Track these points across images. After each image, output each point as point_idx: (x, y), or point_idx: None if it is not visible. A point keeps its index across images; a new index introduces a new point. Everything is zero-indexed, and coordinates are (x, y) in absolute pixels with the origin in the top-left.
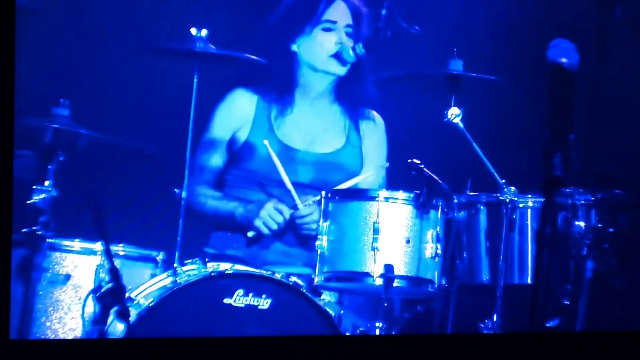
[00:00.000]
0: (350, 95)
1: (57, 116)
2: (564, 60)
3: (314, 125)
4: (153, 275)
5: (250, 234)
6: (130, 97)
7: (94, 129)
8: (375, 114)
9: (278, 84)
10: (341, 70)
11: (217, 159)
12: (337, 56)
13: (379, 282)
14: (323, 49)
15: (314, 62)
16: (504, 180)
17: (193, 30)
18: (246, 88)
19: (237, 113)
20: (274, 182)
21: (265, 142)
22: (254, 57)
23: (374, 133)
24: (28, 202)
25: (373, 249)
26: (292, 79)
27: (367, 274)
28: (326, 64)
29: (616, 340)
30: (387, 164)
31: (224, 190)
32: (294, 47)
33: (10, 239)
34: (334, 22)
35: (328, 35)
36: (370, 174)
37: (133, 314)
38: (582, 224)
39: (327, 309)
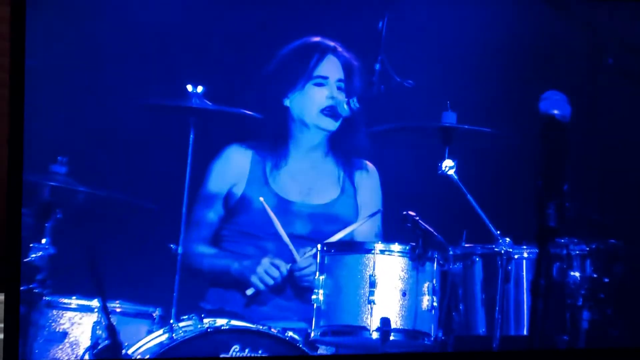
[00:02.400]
0: (344, 147)
1: (54, 173)
2: (556, 112)
3: (309, 177)
4: (150, 332)
5: (249, 291)
6: (127, 153)
7: (91, 185)
8: (369, 164)
9: (272, 138)
10: (332, 126)
11: (213, 215)
12: (328, 111)
13: (375, 335)
14: (314, 104)
15: (305, 118)
16: (499, 232)
17: (189, 87)
18: (241, 143)
19: (233, 168)
20: (271, 235)
21: (261, 199)
22: (250, 113)
23: (368, 183)
24: (25, 260)
25: (369, 302)
26: (286, 133)
27: (364, 328)
28: (317, 120)
29: None
30: (380, 209)
31: (220, 245)
32: (287, 102)
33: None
34: (326, 78)
35: (319, 90)
36: (364, 221)
37: None
38: (577, 274)
39: None
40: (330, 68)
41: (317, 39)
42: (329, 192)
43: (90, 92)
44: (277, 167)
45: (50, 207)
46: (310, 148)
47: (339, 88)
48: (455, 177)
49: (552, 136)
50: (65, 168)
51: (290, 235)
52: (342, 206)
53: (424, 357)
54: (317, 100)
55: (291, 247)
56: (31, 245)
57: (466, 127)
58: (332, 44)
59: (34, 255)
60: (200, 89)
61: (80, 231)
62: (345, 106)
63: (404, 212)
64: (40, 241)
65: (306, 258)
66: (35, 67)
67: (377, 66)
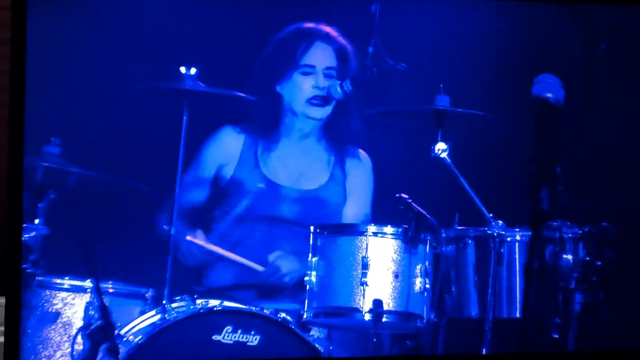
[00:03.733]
0: (336, 133)
1: (47, 154)
2: (549, 95)
3: (300, 162)
4: (142, 312)
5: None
6: (120, 135)
7: (84, 167)
8: (361, 152)
9: (264, 122)
10: (320, 114)
11: (199, 196)
12: (315, 100)
13: (367, 317)
14: (301, 93)
15: (294, 106)
16: (491, 214)
17: (182, 69)
18: (233, 125)
19: (224, 150)
20: (261, 217)
21: (188, 237)
22: (243, 95)
23: (359, 170)
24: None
25: (362, 283)
26: (277, 119)
27: (356, 309)
28: (305, 108)
29: None
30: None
31: (210, 226)
32: (279, 89)
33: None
34: (313, 67)
35: (306, 79)
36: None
37: (122, 351)
38: (570, 257)
39: (316, 345)
40: (319, 56)
41: (310, 25)
42: (318, 178)
43: (84, 74)
44: (268, 151)
45: (44, 187)
46: (302, 135)
47: (327, 76)
48: (448, 159)
49: (545, 119)
50: (58, 149)
51: (278, 220)
52: (330, 192)
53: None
54: (304, 89)
55: (248, 263)
56: (24, 225)
57: (459, 110)
58: (325, 29)
59: (27, 236)
60: (193, 70)
61: (73, 212)
62: (339, 89)
63: (397, 195)
64: (34, 221)
65: (272, 265)
66: (29, 51)
67: (370, 49)
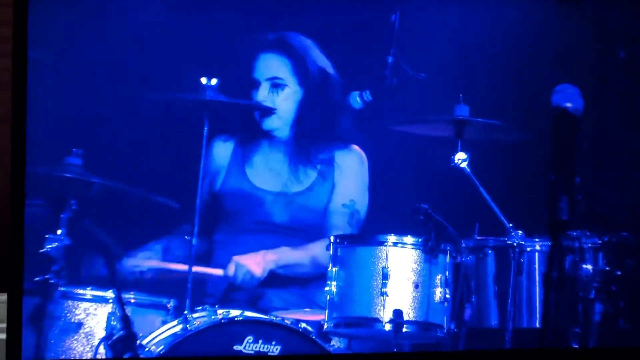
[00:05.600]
0: (325, 133)
1: (69, 165)
2: (568, 105)
3: (286, 166)
4: (164, 323)
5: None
6: (141, 145)
7: (106, 177)
8: (354, 147)
9: (249, 130)
10: (273, 126)
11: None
12: (263, 114)
13: (388, 327)
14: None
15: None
16: (511, 224)
17: (203, 80)
18: (224, 135)
19: (215, 160)
20: (251, 224)
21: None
22: (264, 105)
23: (348, 161)
24: (41, 250)
25: (382, 294)
26: (257, 125)
27: (377, 320)
28: (261, 122)
29: None
30: (353, 203)
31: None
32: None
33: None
34: (257, 81)
35: (258, 93)
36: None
37: None
38: (589, 267)
39: None
40: (263, 68)
41: (267, 34)
42: (305, 179)
43: (105, 85)
44: (255, 159)
45: (66, 198)
46: (282, 141)
47: (274, 86)
48: (468, 169)
49: (564, 129)
50: (80, 160)
51: (269, 225)
52: (317, 191)
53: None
54: (258, 100)
55: (209, 270)
56: (47, 236)
57: (479, 120)
58: (273, 36)
59: (49, 246)
60: (214, 81)
61: (95, 222)
62: (358, 99)
63: (417, 205)
64: (56, 232)
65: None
66: (48, 63)
67: (390, 59)
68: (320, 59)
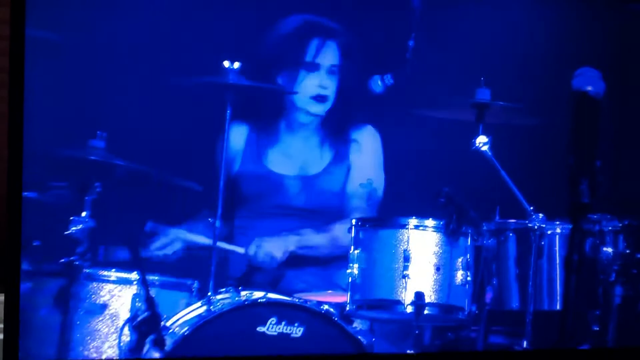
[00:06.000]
0: (339, 116)
1: (94, 148)
2: (589, 88)
3: (302, 150)
4: (188, 304)
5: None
6: (165, 128)
7: (130, 160)
8: (368, 126)
9: (265, 114)
10: (320, 111)
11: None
12: (317, 98)
13: (409, 309)
14: (305, 90)
15: (296, 102)
16: (532, 207)
17: (226, 63)
18: (237, 120)
19: (231, 145)
20: (269, 208)
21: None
22: (285, 89)
23: (362, 146)
24: (65, 232)
25: (404, 276)
26: (279, 112)
27: (398, 302)
28: (306, 105)
29: None
30: (370, 182)
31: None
32: (280, 81)
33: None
34: (317, 65)
35: (310, 77)
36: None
37: (168, 342)
38: (609, 250)
39: (359, 337)
40: (324, 54)
41: (314, 20)
42: (321, 161)
43: (129, 68)
44: (270, 145)
45: (90, 181)
46: (302, 125)
47: (331, 73)
48: (489, 153)
49: (585, 112)
50: (104, 143)
51: (287, 208)
52: (334, 173)
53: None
54: (308, 86)
55: (231, 247)
56: (71, 218)
57: (500, 103)
58: (330, 26)
59: (74, 228)
60: (237, 64)
61: (119, 205)
62: (379, 82)
63: (439, 188)
64: (81, 214)
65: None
66: (71, 45)
67: (411, 43)
68: (351, 41)
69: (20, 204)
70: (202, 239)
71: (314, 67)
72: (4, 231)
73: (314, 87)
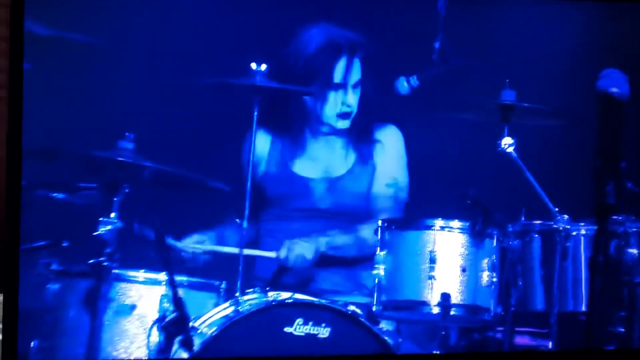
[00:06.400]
0: (364, 121)
1: (122, 149)
2: (614, 90)
3: (326, 153)
4: (216, 305)
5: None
6: (193, 129)
7: (158, 161)
8: (392, 126)
9: (290, 123)
10: (345, 125)
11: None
12: (342, 116)
13: (436, 310)
14: (330, 107)
15: (322, 117)
16: (557, 209)
17: (253, 65)
18: (264, 123)
19: (256, 148)
20: (295, 211)
21: None
22: (312, 92)
23: (386, 147)
24: (94, 233)
25: (430, 277)
26: (303, 124)
27: (425, 303)
28: (331, 120)
29: None
30: (396, 181)
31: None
32: (306, 99)
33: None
34: (342, 84)
35: (336, 95)
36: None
37: (197, 343)
38: (634, 251)
39: (386, 338)
40: (348, 72)
41: (338, 36)
42: (345, 163)
43: (157, 70)
44: (295, 149)
45: (119, 182)
46: (326, 134)
47: (355, 88)
48: (515, 154)
49: (610, 114)
50: (132, 144)
51: (314, 211)
52: (358, 175)
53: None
54: (332, 104)
55: (261, 253)
56: (100, 219)
57: (525, 104)
58: (354, 40)
59: (103, 230)
60: (264, 66)
61: (147, 206)
62: (405, 84)
63: (464, 190)
64: (109, 215)
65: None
66: (97, 45)
67: (437, 44)
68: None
69: (19, 204)
70: (229, 249)
71: (340, 87)
72: (3, 231)
73: (340, 105)
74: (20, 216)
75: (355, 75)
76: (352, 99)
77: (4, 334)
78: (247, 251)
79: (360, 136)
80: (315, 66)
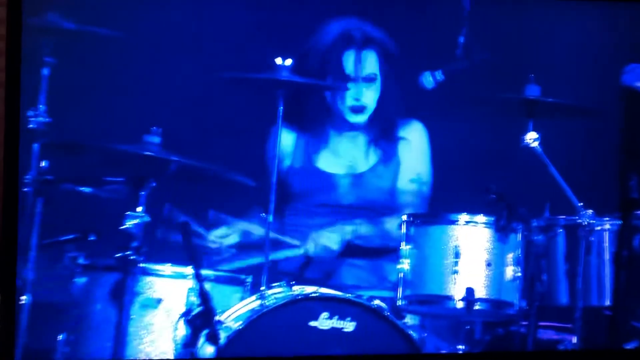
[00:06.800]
0: (387, 117)
1: (148, 143)
2: (639, 84)
3: (350, 149)
4: (242, 299)
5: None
6: (218, 124)
7: (184, 155)
8: (415, 124)
9: (313, 118)
10: (361, 120)
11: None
12: (354, 109)
13: (460, 305)
14: (342, 101)
15: (337, 111)
16: (581, 204)
17: (278, 60)
18: (289, 119)
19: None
20: (319, 207)
21: None
22: (337, 86)
23: (411, 142)
24: (121, 227)
25: (454, 272)
26: (324, 118)
27: (449, 297)
28: (346, 114)
29: None
30: (420, 177)
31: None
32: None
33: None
34: (352, 77)
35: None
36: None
37: (222, 336)
38: None
39: (410, 332)
40: (359, 65)
41: (351, 28)
42: (369, 158)
43: (183, 65)
44: (319, 145)
45: (145, 176)
46: (348, 129)
47: (369, 82)
48: (539, 149)
49: (634, 108)
50: (158, 138)
51: (339, 207)
52: (383, 170)
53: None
54: (346, 97)
55: (288, 253)
56: (127, 213)
57: (549, 99)
58: (367, 34)
59: (129, 223)
60: (289, 62)
61: (174, 200)
62: (430, 78)
63: (489, 185)
64: (136, 209)
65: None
66: (124, 40)
67: (461, 39)
68: (393, 47)
69: (17, 203)
70: (259, 230)
71: (351, 79)
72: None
73: (350, 99)
74: (42, 211)
75: (369, 68)
76: (364, 92)
77: (2, 335)
78: (275, 254)
79: (384, 132)
80: (328, 59)
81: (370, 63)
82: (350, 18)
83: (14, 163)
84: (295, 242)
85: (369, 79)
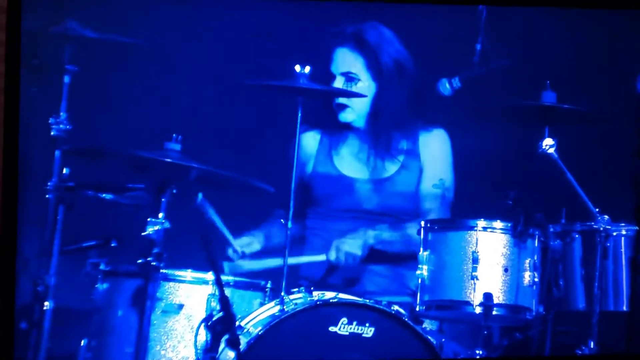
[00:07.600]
0: (410, 123)
1: (169, 150)
2: None
3: (372, 153)
4: (262, 304)
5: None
6: (239, 131)
7: (204, 162)
8: (437, 130)
9: (334, 123)
10: (347, 119)
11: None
12: (336, 107)
13: (478, 310)
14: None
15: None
16: (597, 209)
17: (297, 67)
18: (311, 125)
19: (304, 149)
20: (340, 212)
21: None
22: (355, 93)
23: (433, 148)
24: (142, 234)
25: (472, 277)
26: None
27: (467, 303)
28: (337, 112)
29: None
30: (443, 182)
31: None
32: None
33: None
34: (332, 75)
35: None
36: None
37: (243, 342)
38: None
39: (429, 337)
40: (339, 62)
41: (336, 28)
42: (391, 165)
43: (203, 72)
44: (341, 148)
45: (166, 182)
46: (361, 130)
47: (348, 80)
48: (556, 155)
49: None
50: (179, 145)
51: (359, 212)
52: (404, 176)
53: None
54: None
55: (311, 258)
56: (148, 219)
57: (566, 106)
58: (345, 30)
59: (150, 230)
60: (307, 69)
61: (195, 206)
62: (447, 85)
63: (506, 191)
64: (157, 216)
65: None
66: (145, 48)
67: (478, 46)
68: (397, 51)
69: (17, 209)
70: (275, 262)
71: (332, 77)
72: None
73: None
74: (63, 218)
75: (345, 65)
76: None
77: (0, 337)
78: (298, 259)
79: (407, 137)
80: (318, 59)
81: (352, 62)
82: (364, 23)
83: (14, 168)
84: (322, 257)
85: (350, 78)
